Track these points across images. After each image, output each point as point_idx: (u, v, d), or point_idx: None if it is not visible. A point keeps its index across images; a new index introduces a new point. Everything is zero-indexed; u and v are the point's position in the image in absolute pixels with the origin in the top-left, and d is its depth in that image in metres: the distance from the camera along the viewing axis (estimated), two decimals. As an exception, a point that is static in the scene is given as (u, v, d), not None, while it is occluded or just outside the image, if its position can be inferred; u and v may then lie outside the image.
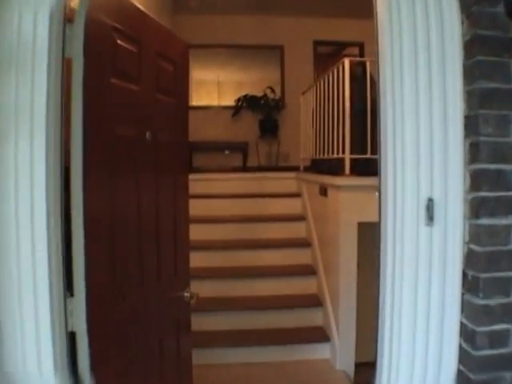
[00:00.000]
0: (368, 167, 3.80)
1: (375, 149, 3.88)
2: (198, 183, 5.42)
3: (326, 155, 4.27)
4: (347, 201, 3.54)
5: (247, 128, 7.91)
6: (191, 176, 5.56)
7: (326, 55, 9.59)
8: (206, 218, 4.94)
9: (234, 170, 6.84)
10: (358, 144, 3.75)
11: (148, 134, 1.91)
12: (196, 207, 5.22)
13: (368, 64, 3.67)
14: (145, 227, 1.92)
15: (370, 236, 4.49)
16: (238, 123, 7.99)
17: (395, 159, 1.56)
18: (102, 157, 1.57)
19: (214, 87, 8.90)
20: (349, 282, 3.66)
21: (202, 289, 4.37)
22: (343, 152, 3.69)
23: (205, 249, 4.57)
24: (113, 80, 1.67)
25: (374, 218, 3.64)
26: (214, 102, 8.59)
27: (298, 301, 4.24)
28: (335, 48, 9.87)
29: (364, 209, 3.53)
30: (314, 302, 4.22)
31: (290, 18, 8.05)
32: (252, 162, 7.85)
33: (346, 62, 3.60)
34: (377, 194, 1.80)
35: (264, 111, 7.68)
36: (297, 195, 5.25)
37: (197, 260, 4.59)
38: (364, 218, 3.57)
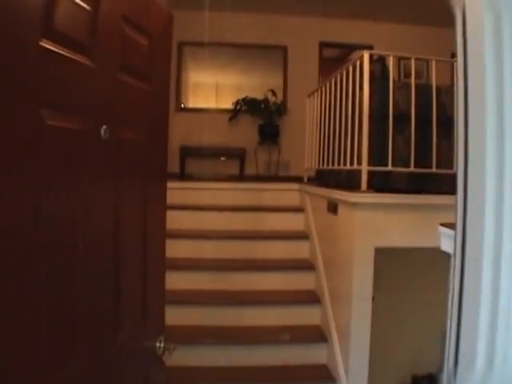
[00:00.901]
0: (388, 182, 3.23)
1: (398, 160, 3.33)
2: (188, 193, 4.85)
3: (335, 166, 3.69)
4: (364, 222, 2.97)
5: (245, 133, 7.35)
6: (181, 185, 5.05)
7: (331, 60, 9.07)
8: (196, 232, 4.36)
9: (230, 179, 6.25)
10: (377, 154, 3.18)
11: (104, 130, 1.32)
12: (185, 220, 4.67)
13: (391, 60, 3.09)
14: (95, 253, 1.33)
15: (388, 264, 3.90)
16: (236, 128, 7.42)
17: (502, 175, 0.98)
18: (12, 154, 0.97)
19: (212, 90, 8.34)
20: (362, 315, 3.07)
21: (188, 316, 3.80)
22: (358, 163, 3.11)
23: (193, 269, 4.00)
24: (45, 43, 1.09)
25: (395, 243, 3.06)
26: (212, 105, 8.03)
27: (298, 334, 3.64)
28: (341, 52, 9.34)
29: (383, 232, 2.97)
30: (316, 336, 3.63)
31: (295, 18, 7.51)
32: (250, 170, 7.28)
33: (366, 55, 3.02)
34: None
35: (264, 116, 7.10)
36: (299, 210, 4.66)
37: (183, 281, 4.03)
38: (382, 242, 3.00)
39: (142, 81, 1.59)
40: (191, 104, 8.24)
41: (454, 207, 0.84)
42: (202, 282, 3.95)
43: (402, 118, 3.20)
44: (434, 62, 3.15)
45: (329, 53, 8.26)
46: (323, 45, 7.74)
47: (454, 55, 1.19)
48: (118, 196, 1.44)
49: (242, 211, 4.59)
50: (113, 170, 1.39)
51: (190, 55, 8.01)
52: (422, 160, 3.17)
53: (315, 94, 4.55)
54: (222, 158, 7.36)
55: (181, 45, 7.59)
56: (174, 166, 7.08)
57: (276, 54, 7.69)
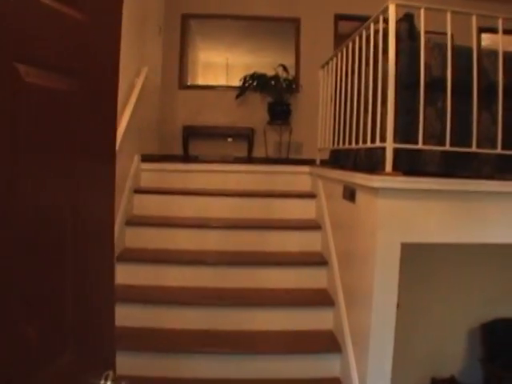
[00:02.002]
0: (416, 163, 2.68)
1: (430, 137, 2.76)
2: (190, 176, 4.33)
3: (352, 144, 3.13)
4: (388, 211, 2.41)
5: (254, 112, 6.79)
6: (179, 167, 4.53)
7: (346, 36, 8.45)
8: (197, 221, 3.85)
9: (236, 161, 5.71)
10: (404, 130, 2.62)
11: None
12: (185, 207, 4.17)
13: (422, 16, 2.51)
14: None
15: (418, 263, 3.35)
16: (244, 107, 6.86)
17: None
18: None
19: (222, 69, 7.79)
20: (384, 324, 2.54)
21: (185, 319, 3.32)
22: (382, 140, 2.55)
23: (193, 263, 3.50)
24: None
25: (426, 238, 2.51)
26: (216, 82, 7.48)
27: (307, 341, 3.13)
28: (356, 28, 8.72)
29: (411, 224, 2.43)
30: (329, 343, 3.10)
31: (308, -14, 6.92)
32: (258, 152, 6.75)
33: (392, 7, 2.43)
34: None
35: (274, 93, 6.52)
36: (311, 196, 4.10)
37: (180, 278, 3.53)
38: (411, 236, 2.46)
39: (69, 5, 1.05)
40: (194, 81, 7.71)
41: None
42: (203, 278, 3.46)
43: (434, 87, 2.64)
44: (474, 19, 2.56)
45: (344, 28, 7.64)
46: (338, 17, 7.11)
47: None
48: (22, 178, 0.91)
49: (247, 197, 4.05)
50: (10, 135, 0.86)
51: (198, 31, 7.45)
52: (459, 137, 2.61)
53: (329, 64, 3.97)
54: (229, 139, 6.82)
55: (186, 17, 7.02)
56: (177, 147, 6.58)
57: (288, 27, 7.09)
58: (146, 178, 4.31)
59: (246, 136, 6.59)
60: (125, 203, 3.71)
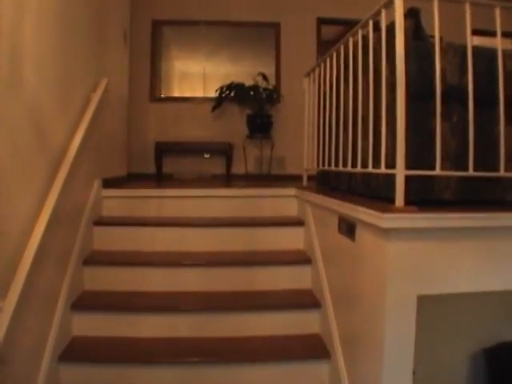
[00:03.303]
0: (428, 190, 2.19)
1: (444, 158, 2.18)
2: (163, 203, 3.78)
3: (348, 167, 2.61)
4: (401, 257, 1.89)
5: (232, 126, 6.29)
6: (153, 192, 3.90)
7: (329, 43, 8.00)
8: (171, 258, 3.31)
9: (214, 179, 5.16)
10: (414, 151, 2.10)
11: None
12: (157, 241, 3.60)
13: (436, 9, 2.00)
14: None
15: (438, 318, 2.76)
16: (221, 119, 6.35)
17: None
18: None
19: (198, 79, 7.26)
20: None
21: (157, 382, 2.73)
22: (388, 164, 2.04)
23: (167, 310, 2.95)
24: None
25: (449, 287, 1.87)
26: (193, 93, 6.95)
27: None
28: (340, 34, 8.27)
29: (431, 271, 1.92)
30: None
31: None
32: (238, 168, 6.23)
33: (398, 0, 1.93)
34: None
35: (254, 104, 6.00)
36: (298, 223, 3.56)
37: (151, 327, 2.97)
38: (431, 287, 1.94)
39: None
40: (176, 93, 7.17)
41: None
42: (179, 328, 2.91)
43: (448, 97, 2.13)
44: (498, 11, 2.07)
45: (327, 33, 7.18)
46: (321, 21, 6.64)
47: None
48: None
49: (228, 227, 3.50)
50: None
51: (172, 39, 6.92)
52: (479, 158, 2.11)
53: (316, 71, 3.46)
54: (206, 155, 6.29)
55: (157, 24, 6.49)
56: (149, 165, 6.03)
57: (267, 33, 6.60)
58: (110, 206, 3.73)
59: (224, 151, 6.06)
60: (81, 238, 3.15)
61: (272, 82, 6.27)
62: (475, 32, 6.49)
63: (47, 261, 2.52)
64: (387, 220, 1.83)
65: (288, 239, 3.52)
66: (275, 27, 6.52)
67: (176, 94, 7.16)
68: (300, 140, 3.93)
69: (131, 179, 5.12)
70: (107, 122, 3.90)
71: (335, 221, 2.63)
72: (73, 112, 3.11)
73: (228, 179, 6.01)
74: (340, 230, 2.53)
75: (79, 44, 3.30)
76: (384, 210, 1.86)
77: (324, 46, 7.05)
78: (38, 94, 2.49)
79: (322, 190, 3.26)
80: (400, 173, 1.89)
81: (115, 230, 3.47)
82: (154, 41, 6.48)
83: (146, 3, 6.32)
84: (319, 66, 3.34)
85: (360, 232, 2.22)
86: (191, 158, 6.24)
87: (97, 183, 3.58)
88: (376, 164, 2.20)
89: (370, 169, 2.22)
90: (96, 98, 3.44)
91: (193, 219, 3.63)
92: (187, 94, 7.03)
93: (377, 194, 2.39)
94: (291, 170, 6.06)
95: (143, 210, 3.74)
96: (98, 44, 3.73)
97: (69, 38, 3.04)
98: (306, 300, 3.07)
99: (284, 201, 3.82)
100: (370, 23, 2.27)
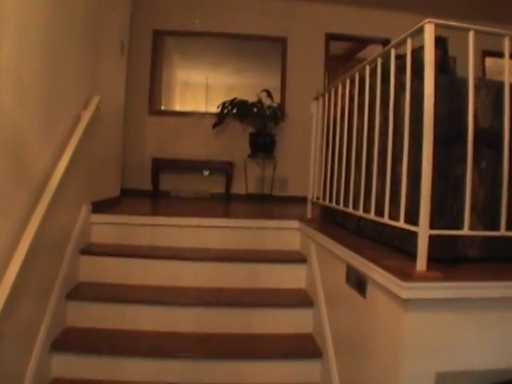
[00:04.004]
0: (453, 247, 1.92)
1: (475, 209, 1.78)
2: (157, 231, 3.51)
3: (360, 211, 2.34)
4: (421, 330, 1.62)
5: (234, 143, 6.03)
6: (146, 220, 3.57)
7: (337, 58, 7.76)
8: (164, 294, 3.04)
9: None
10: (437, 201, 1.84)
11: None
12: (150, 273, 3.32)
13: (471, 36, 1.72)
14: None
15: None
16: (222, 137, 6.09)
17: None
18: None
19: (201, 91, 7.03)
20: None
21: None
22: (408, 218, 1.78)
23: (158, 355, 2.66)
24: None
25: (475, 364, 1.66)
26: (194, 106, 6.71)
27: None
28: (348, 49, 8.05)
29: (452, 345, 1.65)
30: None
31: (297, 4, 6.22)
32: (238, 187, 5.96)
33: (429, 27, 1.66)
34: None
35: (257, 122, 5.74)
36: (301, 260, 3.28)
37: (141, 374, 2.69)
38: (451, 363, 1.66)
39: None
40: (178, 107, 6.94)
41: None
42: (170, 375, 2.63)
43: (478, 141, 1.87)
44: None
45: (334, 50, 6.96)
46: (330, 37, 6.41)
47: None
48: None
49: (226, 261, 3.22)
50: None
51: (175, 49, 6.68)
52: (510, 209, 1.85)
53: (326, 96, 3.19)
54: (205, 173, 6.02)
55: (159, 34, 6.25)
56: (144, 180, 5.77)
57: (273, 47, 6.36)
58: (100, 232, 3.45)
59: (224, 170, 5.80)
60: (65, 269, 2.87)
61: (276, 98, 6.02)
62: (486, 52, 6.25)
63: (25, 295, 2.26)
64: (407, 290, 1.56)
65: (289, 277, 3.24)
66: (282, 42, 6.28)
67: (177, 108, 6.93)
68: (304, 161, 3.68)
69: (125, 196, 4.85)
70: (100, 140, 3.63)
71: (342, 268, 2.36)
72: (59, 133, 2.84)
73: (227, 199, 5.74)
74: (348, 281, 2.26)
75: (71, 59, 3.04)
76: (403, 277, 1.59)
77: (333, 62, 6.84)
78: (15, 121, 2.21)
79: (327, 227, 2.98)
80: (423, 232, 1.62)
81: (103, 260, 3.20)
82: (154, 51, 6.24)
83: (146, 13, 6.09)
84: (330, 91, 3.08)
85: (372, 291, 1.94)
86: (190, 176, 5.98)
87: (85, 208, 3.31)
88: (393, 209, 1.93)
89: (387, 219, 1.95)
90: (86, 116, 3.18)
91: (188, 251, 3.36)
92: (188, 108, 6.79)
93: (390, 242, 2.13)
94: (294, 191, 5.80)
95: (135, 239, 3.47)
96: (91, 57, 3.47)
97: (58, 54, 2.78)
98: (306, 348, 2.79)
99: (286, 233, 3.54)
100: (392, 53, 2.00)
